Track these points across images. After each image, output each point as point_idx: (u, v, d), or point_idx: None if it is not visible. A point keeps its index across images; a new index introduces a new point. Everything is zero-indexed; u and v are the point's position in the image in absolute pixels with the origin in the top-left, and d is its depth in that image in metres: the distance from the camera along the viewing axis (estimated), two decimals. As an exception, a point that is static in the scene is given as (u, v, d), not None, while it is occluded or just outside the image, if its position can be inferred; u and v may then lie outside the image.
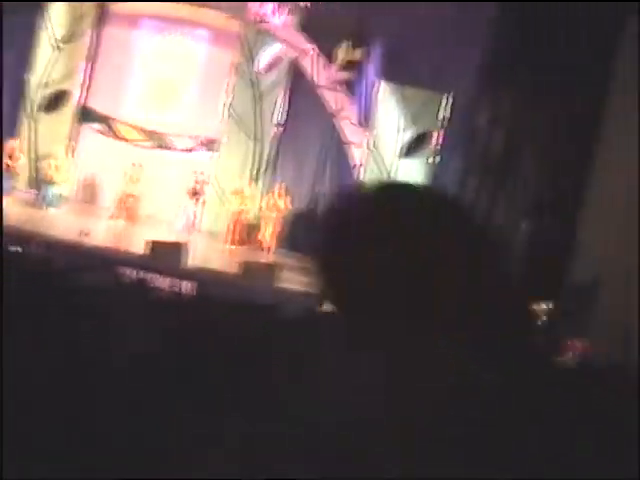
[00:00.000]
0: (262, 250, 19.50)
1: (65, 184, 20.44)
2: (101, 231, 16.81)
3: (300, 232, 20.41)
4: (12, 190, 19.25)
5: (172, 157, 21.31)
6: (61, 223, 18.26)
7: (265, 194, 20.23)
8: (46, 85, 21.36)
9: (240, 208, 19.90)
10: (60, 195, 19.98)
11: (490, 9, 17.18)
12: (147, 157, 21.14)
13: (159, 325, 4.91)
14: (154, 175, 20.73)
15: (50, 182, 19.62)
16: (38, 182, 19.99)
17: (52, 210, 19.35)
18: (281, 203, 19.91)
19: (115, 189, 20.32)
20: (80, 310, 4.74)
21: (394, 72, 18.83)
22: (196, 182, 20.12)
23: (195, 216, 20.21)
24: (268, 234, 19.69)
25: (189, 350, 4.40)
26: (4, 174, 19.10)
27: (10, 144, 19.68)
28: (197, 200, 20.14)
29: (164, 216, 20.48)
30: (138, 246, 16.10)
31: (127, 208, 19.96)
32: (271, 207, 19.83)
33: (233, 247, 19.45)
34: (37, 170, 20.41)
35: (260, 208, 19.96)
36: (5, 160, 19.34)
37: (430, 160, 18.38)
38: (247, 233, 19.98)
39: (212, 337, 4.86)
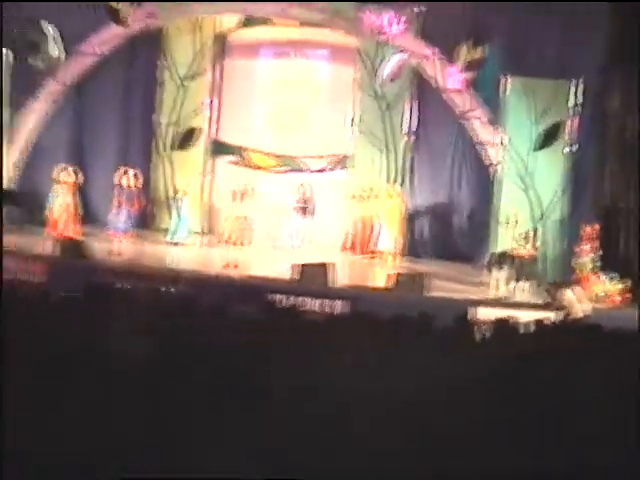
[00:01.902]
0: (382, 259, 19.42)
1: (196, 218, 20.85)
2: (239, 261, 16.94)
3: (438, 238, 20.34)
4: (130, 229, 19.51)
5: (305, 178, 21.32)
6: (199, 258, 18.55)
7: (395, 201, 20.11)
8: (175, 123, 21.77)
9: (363, 217, 19.88)
10: (192, 230, 20.33)
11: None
12: (273, 182, 21.33)
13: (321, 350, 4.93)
14: (272, 197, 20.90)
15: (183, 217, 19.85)
16: (171, 219, 20.25)
17: (185, 245, 19.60)
18: (400, 208, 19.85)
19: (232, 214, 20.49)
20: (238, 343, 4.79)
21: (518, 65, 18.59)
22: (303, 197, 20.09)
23: (303, 231, 20.10)
24: (392, 242, 19.57)
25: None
26: (125, 216, 19.41)
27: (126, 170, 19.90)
28: (305, 215, 20.06)
29: (282, 237, 20.54)
30: (277, 271, 16.32)
31: (242, 233, 20.05)
32: (395, 214, 19.75)
33: (357, 257, 19.45)
34: (169, 207, 20.74)
35: (385, 216, 19.83)
36: (122, 201, 19.52)
37: (566, 150, 18.01)
38: (369, 243, 19.94)
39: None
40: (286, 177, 21.30)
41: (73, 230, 18.90)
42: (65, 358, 3.78)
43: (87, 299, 5.60)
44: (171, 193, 20.39)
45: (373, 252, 19.66)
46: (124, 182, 19.45)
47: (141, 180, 19.85)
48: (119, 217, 19.19)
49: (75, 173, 19.61)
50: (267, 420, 3.50)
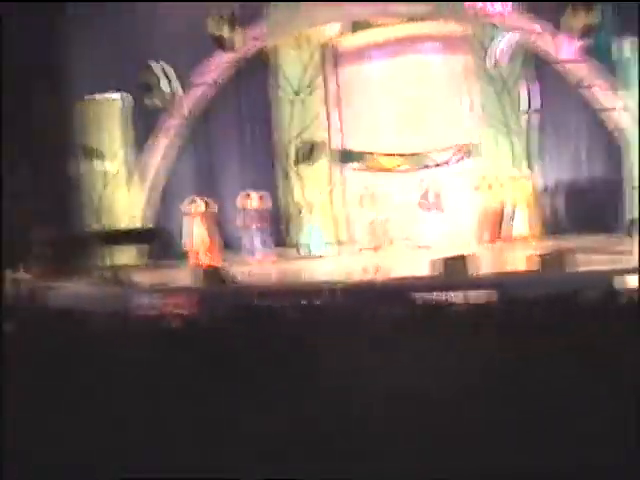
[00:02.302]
0: (514, 240, 19.17)
1: (330, 229, 20.94)
2: (380, 265, 16.88)
3: (574, 212, 19.95)
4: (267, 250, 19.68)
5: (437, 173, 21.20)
6: (339, 268, 18.58)
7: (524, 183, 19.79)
8: (296, 139, 21.95)
9: (492, 203, 19.60)
10: (327, 241, 20.40)
11: None
12: (401, 181, 21.29)
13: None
14: (401, 197, 20.82)
15: (316, 230, 19.90)
16: (304, 233, 20.30)
17: (322, 257, 19.70)
18: (529, 189, 19.52)
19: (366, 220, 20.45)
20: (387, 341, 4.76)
21: (634, 24, 18.10)
22: (427, 192, 19.87)
23: (433, 226, 19.89)
24: (527, 224, 19.25)
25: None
26: (258, 238, 19.57)
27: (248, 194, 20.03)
28: (433, 210, 19.83)
29: (414, 234, 20.47)
30: (419, 270, 16.27)
31: (383, 236, 19.97)
32: (525, 195, 19.43)
33: (494, 245, 19.19)
34: (301, 222, 20.82)
35: (516, 199, 19.51)
36: (250, 224, 19.71)
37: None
38: (498, 227, 19.65)
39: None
40: (414, 175, 21.19)
41: (211, 259, 19.19)
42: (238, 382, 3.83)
43: (236, 323, 5.66)
44: (302, 208, 20.49)
45: (509, 238, 19.40)
46: (248, 205, 19.69)
47: (266, 200, 20.04)
48: (252, 240, 19.44)
49: (205, 203, 19.91)
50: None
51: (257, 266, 18.54)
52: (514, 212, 19.39)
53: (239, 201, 19.86)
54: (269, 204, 20.23)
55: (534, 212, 19.81)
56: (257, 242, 19.47)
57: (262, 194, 20.03)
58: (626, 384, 3.80)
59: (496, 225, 19.71)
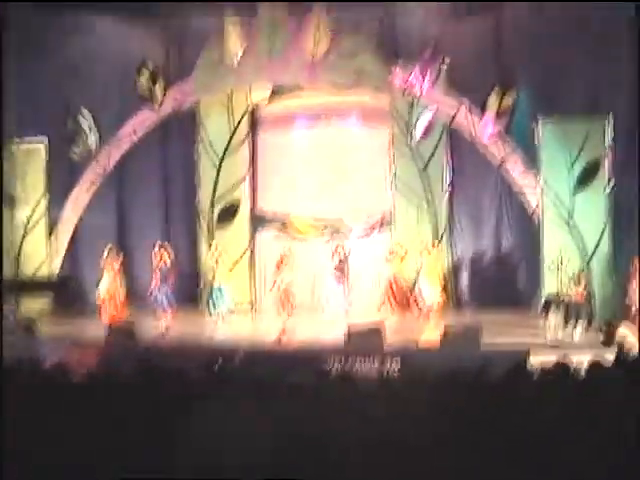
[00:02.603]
0: (421, 312, 19.29)
1: (244, 291, 20.94)
2: (288, 329, 16.91)
3: (487, 287, 20.20)
4: (168, 305, 19.54)
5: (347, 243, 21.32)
6: (248, 330, 18.56)
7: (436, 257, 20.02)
8: (216, 200, 21.98)
9: (395, 273, 19.78)
10: (239, 302, 20.37)
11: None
12: (315, 247, 21.38)
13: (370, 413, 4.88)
14: (306, 263, 20.88)
15: (225, 291, 19.80)
16: (217, 294, 20.16)
17: (232, 319, 19.55)
18: (441, 263, 19.82)
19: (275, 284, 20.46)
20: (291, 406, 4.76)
21: (550, 108, 18.58)
22: (340, 261, 19.99)
23: (342, 293, 19.90)
24: (432, 292, 19.46)
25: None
26: (161, 290, 19.51)
27: (160, 252, 19.89)
28: (343, 278, 19.94)
29: (319, 301, 20.47)
30: (324, 336, 16.36)
31: (285, 301, 19.96)
32: (436, 269, 19.67)
33: (392, 314, 19.20)
34: (216, 283, 20.67)
35: (427, 271, 19.71)
36: (159, 279, 19.61)
37: (606, 187, 17.89)
38: (405, 298, 19.82)
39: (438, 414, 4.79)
40: (329, 243, 21.27)
41: (121, 312, 18.99)
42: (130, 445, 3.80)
43: (139, 381, 5.62)
44: (217, 268, 20.38)
45: (418, 310, 19.54)
46: (160, 261, 19.54)
47: (178, 258, 19.89)
48: (160, 294, 19.30)
49: (119, 256, 19.73)
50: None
51: (165, 322, 18.36)
52: (424, 285, 19.53)
53: (153, 255, 19.68)
54: (173, 259, 20.03)
55: (445, 286, 20.04)
56: (165, 299, 19.32)
57: (167, 249, 19.82)
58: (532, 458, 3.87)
59: (404, 297, 19.82)
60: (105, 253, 19.57)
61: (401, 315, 19.34)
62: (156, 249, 19.42)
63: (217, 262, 19.79)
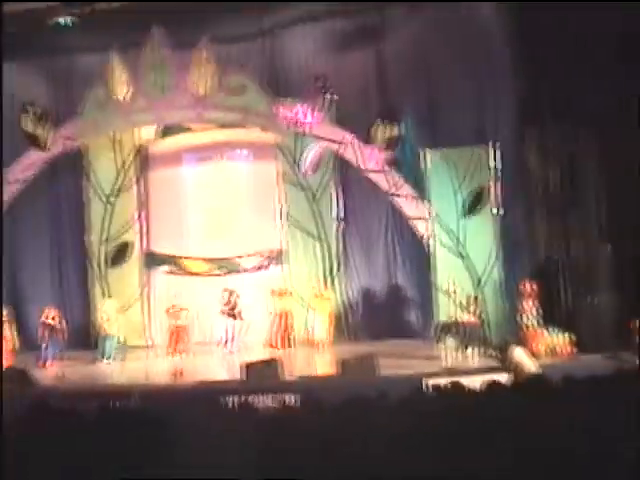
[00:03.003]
0: (315, 346, 19.49)
1: (137, 332, 20.94)
2: (183, 368, 16.79)
3: (382, 318, 20.34)
4: (58, 354, 19.35)
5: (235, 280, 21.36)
6: (143, 371, 18.40)
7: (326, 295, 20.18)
8: (106, 240, 21.78)
9: (282, 310, 19.91)
10: (132, 344, 20.18)
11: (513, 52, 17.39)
12: (208, 286, 21.31)
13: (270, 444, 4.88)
14: (198, 301, 20.91)
15: (108, 335, 19.61)
16: (102, 338, 19.83)
17: (122, 361, 19.42)
18: (329, 296, 19.99)
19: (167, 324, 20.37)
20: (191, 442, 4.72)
21: (434, 137, 18.92)
22: (228, 301, 20.01)
23: (233, 331, 19.95)
24: (323, 329, 19.60)
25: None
26: (49, 341, 19.28)
27: (48, 310, 19.72)
28: (235, 315, 20.00)
29: (212, 339, 20.58)
30: (220, 374, 16.50)
31: (178, 340, 19.93)
32: (326, 306, 19.83)
33: (280, 350, 19.29)
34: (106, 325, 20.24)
35: (318, 307, 19.85)
36: (44, 329, 19.44)
37: (494, 213, 18.22)
38: (288, 333, 20.00)
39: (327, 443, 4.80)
40: (221, 280, 21.23)
41: (9, 360, 18.61)
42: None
43: (36, 422, 5.53)
44: (107, 310, 20.11)
45: (309, 343, 19.65)
46: (46, 319, 19.43)
47: (60, 318, 19.68)
48: (47, 347, 19.20)
49: (6, 308, 19.41)
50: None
51: (56, 371, 18.06)
52: (316, 322, 19.66)
53: (41, 315, 19.53)
54: (61, 320, 19.82)
55: (340, 320, 20.17)
56: (54, 350, 19.22)
57: (55, 314, 19.68)
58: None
59: (284, 332, 19.93)
60: None
61: (288, 349, 19.42)
62: (45, 310, 19.34)
63: (106, 320, 19.67)
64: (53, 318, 19.52)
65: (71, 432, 5.05)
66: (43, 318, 19.48)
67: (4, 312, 19.41)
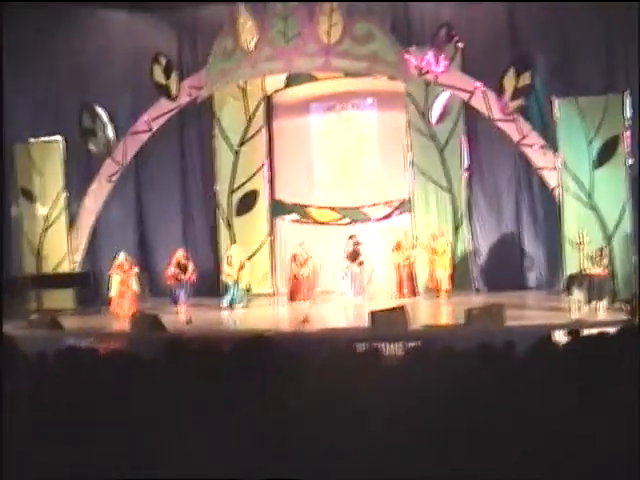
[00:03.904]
0: (438, 296, 19.48)
1: (265, 280, 21.30)
2: (310, 315, 16.89)
3: (509, 268, 20.15)
4: (186, 299, 19.76)
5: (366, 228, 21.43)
6: (270, 318, 18.65)
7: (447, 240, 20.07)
8: (234, 189, 22.02)
9: (406, 258, 19.85)
10: (258, 292, 20.42)
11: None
12: (334, 235, 21.44)
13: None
14: (323, 250, 21.06)
15: (234, 280, 19.87)
16: (228, 284, 20.10)
17: (249, 308, 19.77)
18: (444, 245, 19.85)
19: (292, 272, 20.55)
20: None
21: (566, 86, 18.53)
22: (355, 245, 20.04)
23: (360, 279, 20.01)
24: (444, 277, 19.52)
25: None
26: (179, 284, 19.72)
27: (178, 253, 20.09)
28: (359, 263, 20.02)
29: (334, 287, 20.72)
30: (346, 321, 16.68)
31: (302, 288, 20.09)
32: (443, 250, 19.74)
33: (407, 299, 19.23)
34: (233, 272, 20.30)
35: (440, 254, 19.76)
36: (174, 272, 19.83)
37: (626, 163, 17.77)
38: (415, 282, 19.96)
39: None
40: (346, 229, 21.33)
41: (131, 308, 19.07)
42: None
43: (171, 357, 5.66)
44: (234, 259, 20.39)
45: (434, 292, 19.64)
46: (177, 260, 19.77)
47: (193, 258, 20.18)
48: (178, 290, 19.56)
49: (129, 263, 19.81)
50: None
51: (184, 315, 18.42)
52: (441, 270, 19.62)
53: (171, 256, 19.92)
54: (199, 254, 20.17)
55: (461, 267, 20.08)
56: (183, 294, 19.60)
57: (185, 253, 20.09)
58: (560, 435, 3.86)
59: (413, 280, 19.93)
60: (119, 249, 19.76)
61: (415, 298, 19.44)
62: (176, 253, 19.73)
63: (231, 264, 19.95)
64: (185, 258, 19.86)
65: (207, 370, 5.14)
66: (173, 260, 19.85)
67: (126, 258, 19.77)
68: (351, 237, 20.24)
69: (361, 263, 19.98)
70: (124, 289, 19.35)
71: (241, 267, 20.02)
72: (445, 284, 19.53)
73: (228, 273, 19.97)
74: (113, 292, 19.40)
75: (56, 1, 20.25)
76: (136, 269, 19.65)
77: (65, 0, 20.29)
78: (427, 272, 20.15)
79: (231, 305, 19.56)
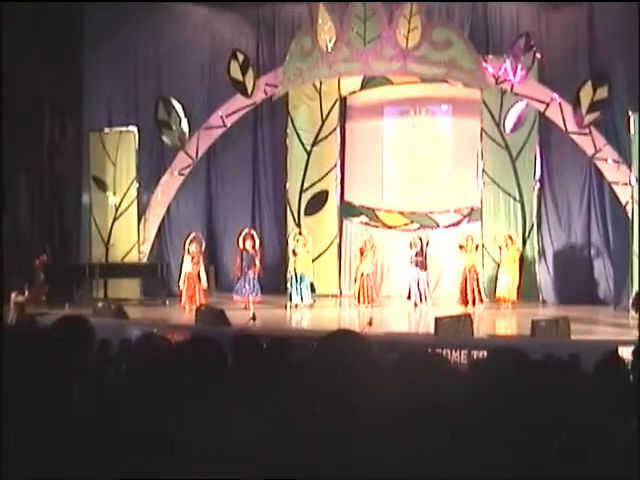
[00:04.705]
0: (502, 306, 19.32)
1: (331, 280, 21.29)
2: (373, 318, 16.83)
3: (577, 282, 19.93)
4: (252, 293, 19.66)
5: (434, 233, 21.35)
6: (335, 319, 18.65)
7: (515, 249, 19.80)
8: (305, 189, 22.11)
9: (470, 264, 19.63)
10: (325, 292, 20.37)
11: None
12: (402, 239, 21.33)
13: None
14: (391, 254, 21.14)
15: (303, 276, 19.86)
16: (296, 282, 19.99)
17: (314, 307, 19.72)
18: (514, 254, 19.60)
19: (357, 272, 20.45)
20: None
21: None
22: (418, 248, 19.78)
23: (423, 284, 19.75)
24: (512, 288, 19.33)
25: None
26: (249, 280, 19.57)
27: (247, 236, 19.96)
28: (424, 267, 19.85)
29: (400, 291, 20.58)
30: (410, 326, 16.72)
31: (368, 289, 19.98)
32: (511, 260, 19.50)
33: (473, 307, 19.10)
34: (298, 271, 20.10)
35: (507, 263, 19.53)
36: (243, 266, 19.66)
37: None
38: (477, 290, 19.66)
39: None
40: (414, 234, 21.28)
41: (200, 300, 19.21)
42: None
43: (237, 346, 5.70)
44: (305, 258, 20.43)
45: (500, 301, 19.48)
46: (242, 246, 19.66)
47: (258, 242, 19.97)
48: (243, 282, 19.48)
49: (200, 244, 19.91)
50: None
51: (249, 308, 18.49)
52: (506, 277, 19.42)
53: (239, 241, 19.80)
54: (258, 246, 20.08)
55: (529, 278, 19.90)
56: (249, 285, 19.48)
57: (253, 234, 20.01)
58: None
59: (478, 288, 19.69)
60: (189, 239, 19.84)
61: (479, 306, 19.29)
62: (243, 234, 19.66)
63: (296, 253, 19.86)
64: (252, 248, 19.73)
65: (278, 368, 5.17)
66: (241, 248, 19.75)
67: (198, 248, 19.90)
68: (419, 237, 20.00)
69: (426, 268, 19.79)
70: (194, 275, 19.51)
71: (312, 260, 20.08)
72: (513, 294, 19.34)
73: (298, 270, 19.86)
74: (182, 278, 19.61)
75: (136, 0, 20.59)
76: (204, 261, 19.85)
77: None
78: (494, 280, 19.96)
79: (298, 300, 19.51)
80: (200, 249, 19.85)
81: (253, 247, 19.62)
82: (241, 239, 19.67)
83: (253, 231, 20.26)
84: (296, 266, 19.76)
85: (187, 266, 19.68)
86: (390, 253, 21.28)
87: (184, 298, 19.48)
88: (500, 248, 19.76)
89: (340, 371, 4.04)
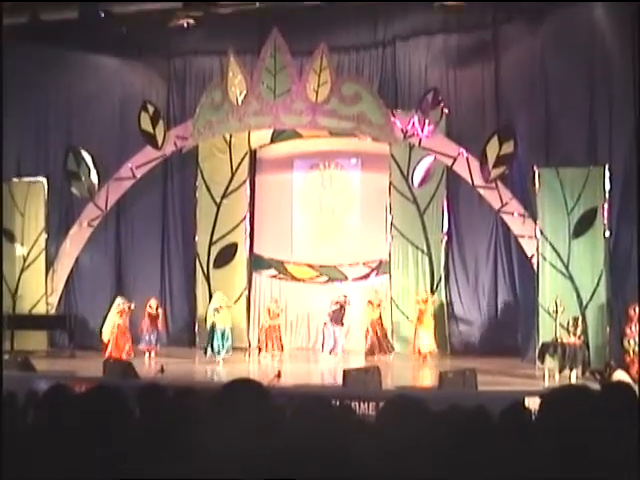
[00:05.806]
0: (419, 358, 19.33)
1: (240, 333, 21.21)
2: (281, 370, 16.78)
3: (483, 334, 20.18)
4: (158, 345, 20.01)
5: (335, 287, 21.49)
6: (242, 371, 18.57)
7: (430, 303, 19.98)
8: (215, 241, 22.06)
9: (376, 317, 19.75)
10: (233, 345, 20.33)
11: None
12: (311, 292, 21.55)
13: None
14: (299, 307, 21.34)
15: (223, 334, 19.81)
16: (210, 334, 19.94)
17: (226, 361, 19.56)
18: (433, 310, 19.80)
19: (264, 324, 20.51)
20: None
21: (547, 156, 18.72)
22: (339, 305, 19.93)
23: (337, 338, 19.87)
24: (427, 340, 19.48)
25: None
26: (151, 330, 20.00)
27: (152, 300, 20.49)
28: (341, 323, 19.98)
29: (310, 344, 20.90)
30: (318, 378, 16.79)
31: (274, 341, 20.07)
32: (430, 315, 19.68)
33: (382, 357, 19.24)
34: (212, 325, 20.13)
35: (422, 318, 19.69)
36: (148, 325, 20.15)
37: (604, 235, 17.86)
38: (381, 343, 19.76)
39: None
40: (323, 287, 21.40)
41: (123, 351, 19.16)
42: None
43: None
44: (212, 310, 20.36)
45: (415, 353, 19.58)
46: (149, 309, 19.98)
47: (161, 307, 20.56)
48: (148, 335, 19.71)
49: (128, 305, 19.90)
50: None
51: (152, 359, 18.57)
52: (420, 332, 19.54)
53: (145, 305, 20.10)
54: (162, 310, 20.54)
55: (440, 333, 20.06)
56: (153, 338, 19.83)
57: (157, 302, 20.58)
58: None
59: (386, 340, 19.82)
60: (118, 300, 19.84)
61: (386, 357, 19.38)
62: (151, 301, 19.87)
63: (219, 309, 19.92)
64: (156, 308, 20.07)
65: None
66: (147, 308, 20.00)
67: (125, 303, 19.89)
68: (343, 296, 20.08)
69: (343, 324, 19.90)
70: (117, 328, 19.45)
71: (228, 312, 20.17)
72: (424, 347, 19.40)
73: (214, 320, 19.87)
74: (105, 332, 19.48)
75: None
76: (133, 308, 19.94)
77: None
78: (405, 334, 20.12)
79: (215, 352, 19.49)
80: (128, 306, 19.85)
81: (157, 309, 19.99)
82: (147, 305, 19.98)
83: (153, 300, 20.45)
84: (216, 321, 19.79)
85: (112, 320, 19.64)
86: (300, 306, 21.27)
87: (107, 350, 19.36)
88: (418, 302, 19.85)
89: (235, 419, 4.04)
